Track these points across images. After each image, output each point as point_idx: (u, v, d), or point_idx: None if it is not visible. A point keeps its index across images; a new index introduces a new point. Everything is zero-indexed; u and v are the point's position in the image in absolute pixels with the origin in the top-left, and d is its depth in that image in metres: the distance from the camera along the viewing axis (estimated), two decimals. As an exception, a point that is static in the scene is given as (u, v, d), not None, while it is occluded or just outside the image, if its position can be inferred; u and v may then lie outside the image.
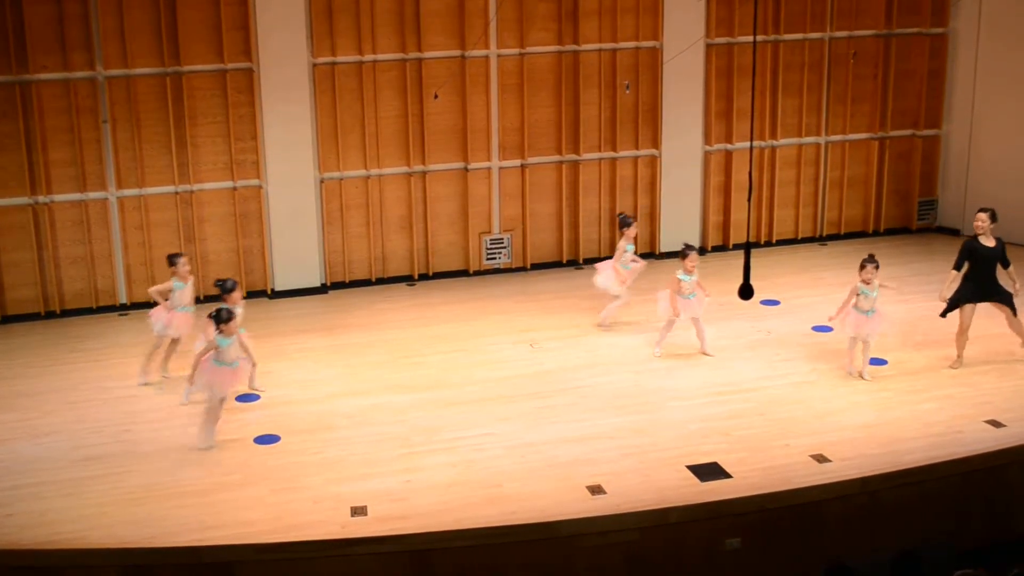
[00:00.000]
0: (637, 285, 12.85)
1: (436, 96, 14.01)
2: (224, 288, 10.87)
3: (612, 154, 14.96)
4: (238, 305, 10.75)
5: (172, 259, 11.37)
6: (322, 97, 13.86)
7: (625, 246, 12.64)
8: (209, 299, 13.85)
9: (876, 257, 11.43)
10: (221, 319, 10.05)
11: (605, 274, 12.74)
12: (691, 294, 11.91)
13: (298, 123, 13.79)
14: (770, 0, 15.01)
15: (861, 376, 11.36)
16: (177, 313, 11.35)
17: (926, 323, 12.68)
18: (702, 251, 15.11)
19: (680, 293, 11.90)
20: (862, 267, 11.33)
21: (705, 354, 11.98)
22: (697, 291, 11.95)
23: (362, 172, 14.19)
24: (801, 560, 9.31)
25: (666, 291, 12.02)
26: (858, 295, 11.33)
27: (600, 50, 14.61)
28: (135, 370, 11.64)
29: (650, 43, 14.77)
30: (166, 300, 11.35)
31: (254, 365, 10.89)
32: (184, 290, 11.37)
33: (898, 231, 16.24)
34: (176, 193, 13.62)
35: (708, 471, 9.59)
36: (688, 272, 11.85)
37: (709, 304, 12.14)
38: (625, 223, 12.70)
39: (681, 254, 11.93)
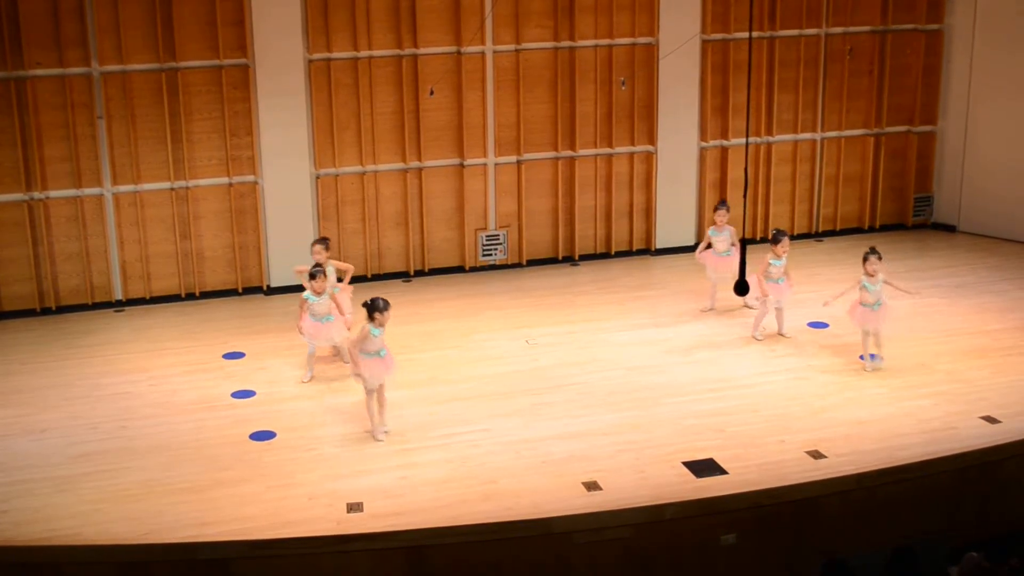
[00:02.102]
0: (635, 282, 12.87)
1: (432, 92, 14.00)
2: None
3: (608, 150, 14.96)
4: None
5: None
6: (318, 93, 13.85)
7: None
8: (212, 294, 13.88)
9: (877, 249, 11.45)
10: (377, 308, 10.09)
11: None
12: (780, 278, 12.15)
13: (294, 119, 13.78)
14: (766, -4, 15.04)
15: (864, 368, 11.40)
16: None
17: (921, 319, 12.71)
18: (696, 247, 15.10)
19: (768, 277, 12.11)
20: (865, 259, 11.37)
21: (783, 336, 12.27)
22: (785, 277, 12.16)
23: (358, 168, 14.19)
24: (797, 556, 9.34)
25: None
26: (862, 288, 11.36)
27: (596, 46, 14.60)
28: (130, 366, 11.63)
29: (646, 39, 14.77)
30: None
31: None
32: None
33: (893, 227, 16.25)
34: (172, 189, 13.60)
35: (703, 467, 9.60)
36: (778, 256, 12.09)
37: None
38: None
39: (773, 239, 12.18)
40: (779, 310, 12.33)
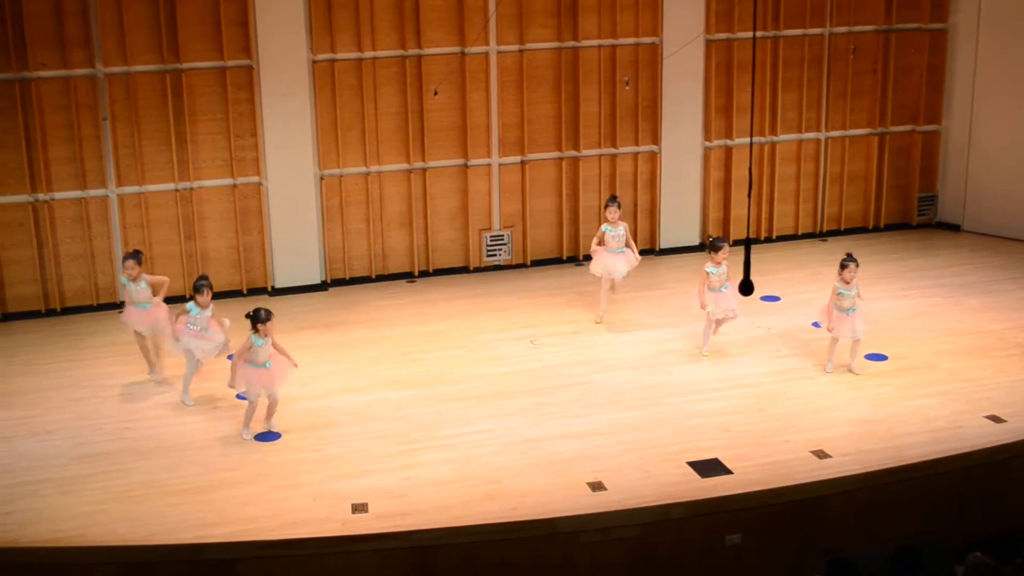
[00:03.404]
0: (640, 281, 12.84)
1: (436, 93, 14.00)
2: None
3: (612, 150, 14.95)
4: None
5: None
6: (322, 94, 13.86)
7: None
8: (217, 295, 13.87)
9: (855, 256, 11.40)
10: (259, 319, 10.22)
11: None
12: (723, 286, 11.83)
13: (298, 120, 13.79)
14: (769, -5, 15.03)
15: (851, 370, 11.38)
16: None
17: (925, 318, 12.70)
18: (701, 247, 15.10)
19: (710, 287, 11.83)
20: (843, 267, 11.29)
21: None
22: (729, 284, 11.85)
23: (362, 169, 14.19)
24: (801, 555, 9.33)
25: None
26: (838, 294, 11.34)
27: (600, 46, 14.60)
28: (135, 368, 11.64)
29: (650, 39, 14.76)
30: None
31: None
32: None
33: (898, 227, 16.23)
34: (176, 190, 13.61)
35: (708, 467, 9.60)
36: (717, 264, 11.81)
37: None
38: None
39: (711, 246, 11.89)
40: (720, 322, 12.01)
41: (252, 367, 10.30)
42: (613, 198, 12.82)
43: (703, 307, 11.86)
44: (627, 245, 12.66)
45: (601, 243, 12.65)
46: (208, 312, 11.03)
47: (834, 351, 11.44)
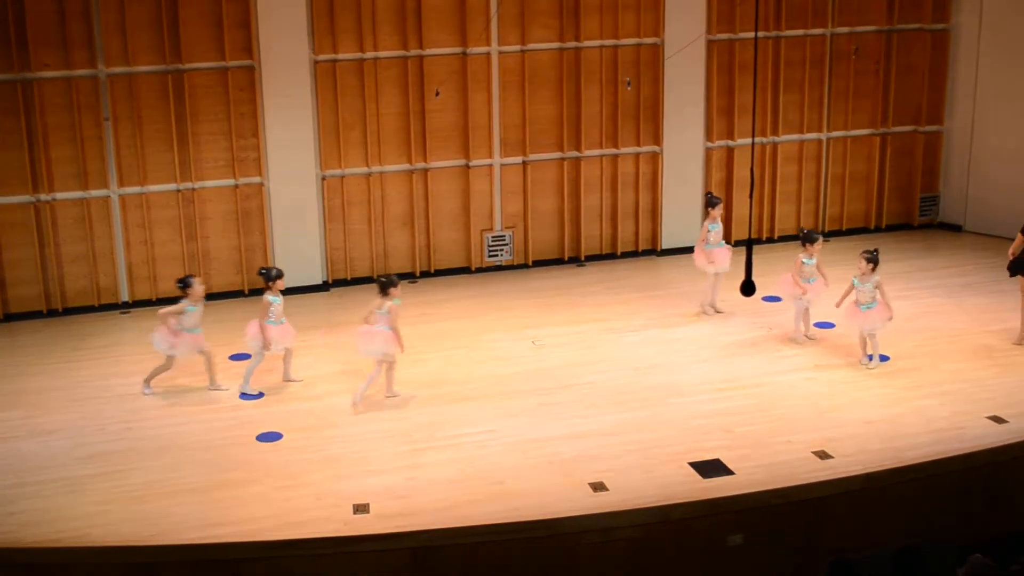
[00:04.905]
0: (641, 282, 12.85)
1: (437, 93, 14.01)
2: (269, 276, 11.32)
3: (614, 150, 14.95)
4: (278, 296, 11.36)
5: (186, 281, 11.17)
6: (323, 94, 13.86)
7: (708, 226, 12.92)
8: (218, 295, 13.90)
9: (877, 253, 11.45)
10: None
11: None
12: (812, 278, 12.12)
13: (299, 120, 13.80)
14: (771, -4, 15.04)
15: (865, 365, 11.48)
16: (185, 335, 11.14)
17: (927, 319, 12.70)
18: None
19: (802, 276, 12.11)
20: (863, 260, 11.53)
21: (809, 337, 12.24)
22: (817, 275, 12.15)
23: (363, 169, 14.19)
24: (804, 556, 9.32)
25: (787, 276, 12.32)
26: (855, 288, 11.48)
27: (601, 46, 14.60)
28: (137, 368, 11.64)
29: (651, 39, 14.76)
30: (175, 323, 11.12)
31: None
32: (196, 312, 11.17)
33: (900, 227, 16.23)
34: (178, 191, 13.62)
35: (710, 467, 9.59)
36: (810, 256, 12.11)
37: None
38: (711, 203, 12.87)
39: (807, 238, 12.17)
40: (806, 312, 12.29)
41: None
42: (717, 197, 13.11)
43: (801, 294, 12.09)
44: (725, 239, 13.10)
45: (704, 240, 13.03)
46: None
47: (863, 345, 11.57)
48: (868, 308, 11.40)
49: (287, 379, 11.49)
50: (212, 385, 11.30)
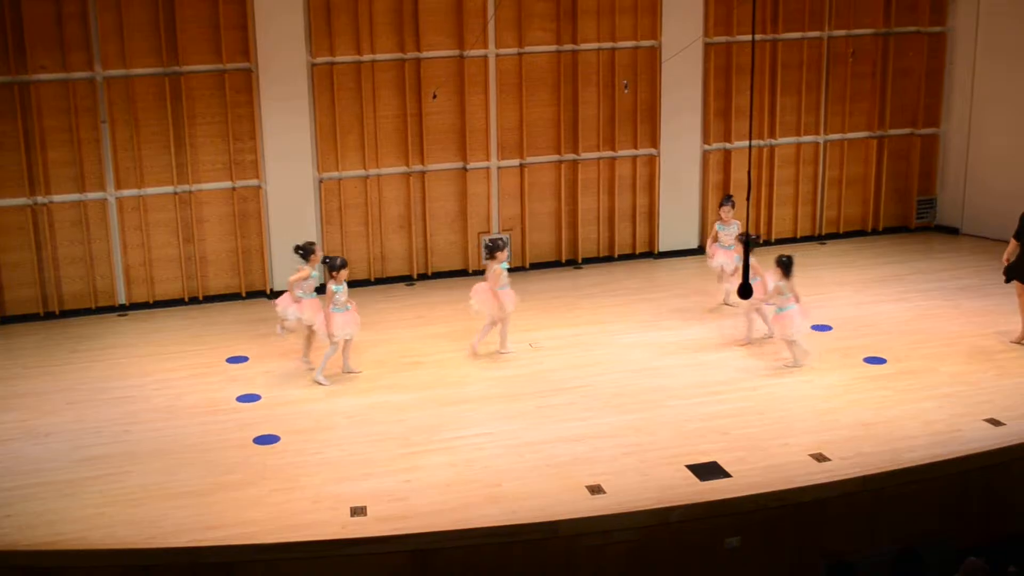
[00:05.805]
0: (639, 285, 12.83)
1: (434, 96, 14.01)
2: (333, 265, 11.35)
3: (611, 153, 14.96)
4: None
5: (309, 247, 11.57)
6: (321, 97, 13.86)
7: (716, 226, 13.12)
8: (216, 298, 13.90)
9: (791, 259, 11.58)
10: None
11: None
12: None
13: (297, 123, 13.79)
14: (768, -1, 15.05)
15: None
16: (306, 300, 11.54)
17: (925, 321, 12.71)
18: (700, 250, 15.09)
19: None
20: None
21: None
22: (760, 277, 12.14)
23: (361, 172, 14.19)
24: (801, 559, 9.33)
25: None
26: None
27: (599, 49, 14.61)
28: (134, 370, 11.63)
29: (648, 42, 14.77)
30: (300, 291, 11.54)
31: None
32: (315, 280, 11.69)
33: (897, 230, 16.24)
34: (175, 193, 13.61)
35: (707, 470, 9.59)
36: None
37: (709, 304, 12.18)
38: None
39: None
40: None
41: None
42: (728, 197, 13.31)
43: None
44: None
45: (715, 240, 13.14)
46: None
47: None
48: (781, 311, 11.45)
49: (347, 371, 11.63)
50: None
